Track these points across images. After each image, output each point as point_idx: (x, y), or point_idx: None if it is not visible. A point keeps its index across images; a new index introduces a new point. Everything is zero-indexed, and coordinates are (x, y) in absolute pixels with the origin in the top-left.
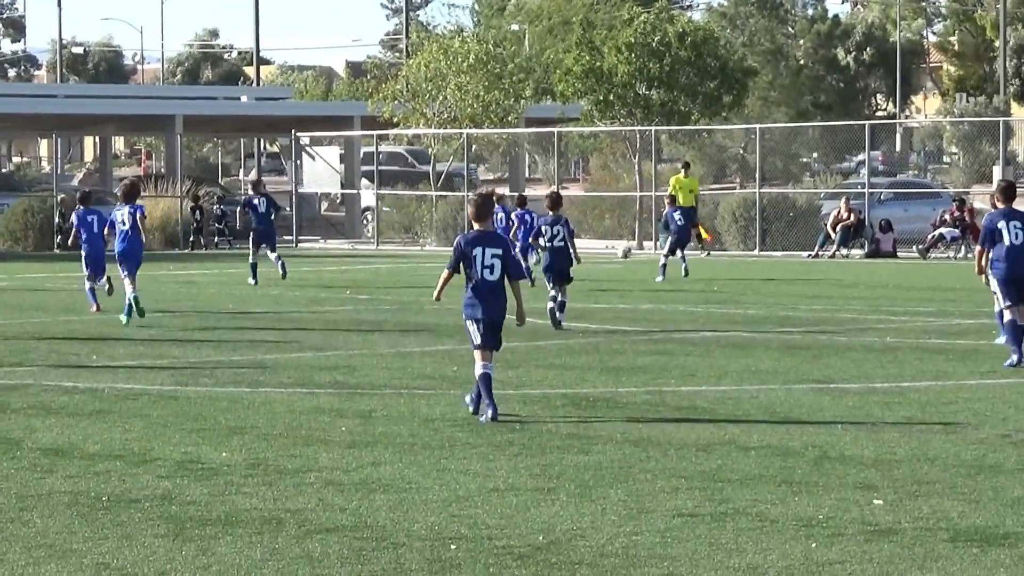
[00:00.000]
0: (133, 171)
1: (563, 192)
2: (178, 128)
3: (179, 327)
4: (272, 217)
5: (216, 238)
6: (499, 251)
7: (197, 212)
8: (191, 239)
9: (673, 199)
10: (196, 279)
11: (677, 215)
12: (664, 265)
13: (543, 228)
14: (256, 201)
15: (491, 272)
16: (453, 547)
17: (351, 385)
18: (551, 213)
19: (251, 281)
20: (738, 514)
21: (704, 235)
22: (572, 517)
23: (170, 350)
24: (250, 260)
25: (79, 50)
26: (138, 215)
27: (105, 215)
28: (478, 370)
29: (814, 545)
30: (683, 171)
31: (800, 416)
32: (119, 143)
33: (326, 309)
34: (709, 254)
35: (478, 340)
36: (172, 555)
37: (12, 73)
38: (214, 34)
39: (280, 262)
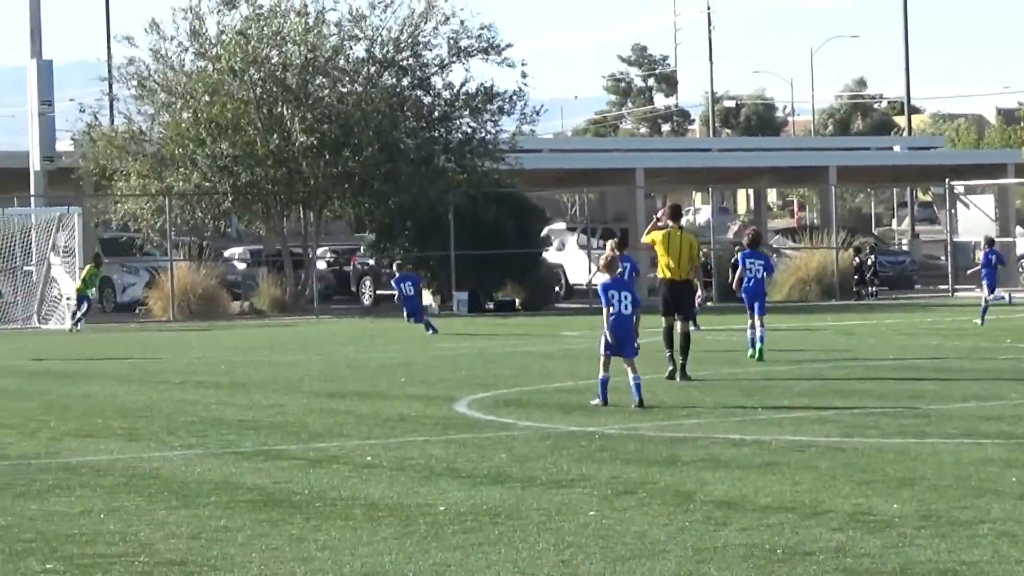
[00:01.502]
0: (785, 223)
1: None
2: (831, 179)
3: (840, 378)
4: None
5: (872, 288)
6: None
7: (858, 262)
8: (855, 289)
9: None
10: (855, 330)
11: None
12: None
13: None
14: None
15: None
16: None
17: (1018, 435)
18: None
19: None
20: None
21: None
22: None
23: (833, 401)
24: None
25: (731, 103)
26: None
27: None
28: None
29: None
30: None
31: None
32: (771, 195)
33: (986, 358)
34: None
35: None
36: None
37: (666, 128)
38: (863, 84)
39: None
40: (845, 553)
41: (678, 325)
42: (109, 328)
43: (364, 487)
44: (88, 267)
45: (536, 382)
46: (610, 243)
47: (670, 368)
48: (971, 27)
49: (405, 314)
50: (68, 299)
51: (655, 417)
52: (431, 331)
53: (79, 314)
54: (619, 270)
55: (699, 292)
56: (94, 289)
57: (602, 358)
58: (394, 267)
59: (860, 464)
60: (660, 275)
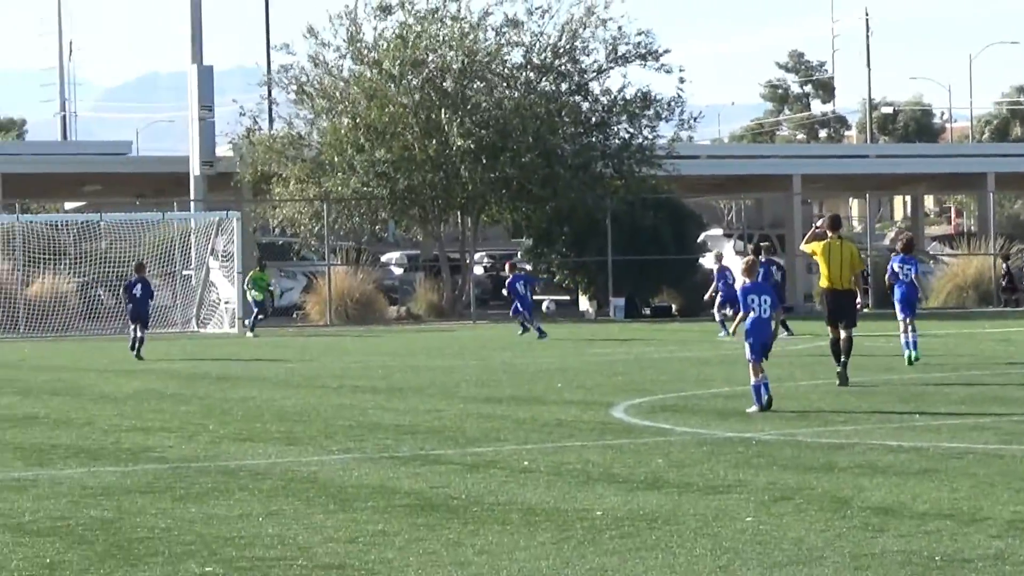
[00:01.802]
0: (943, 229)
1: None
2: (990, 186)
3: (998, 384)
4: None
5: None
6: None
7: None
8: (1012, 296)
9: None
10: (1012, 336)
11: None
12: None
13: None
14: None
15: None
16: None
17: None
18: None
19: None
20: None
21: None
22: None
23: (991, 408)
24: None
25: (888, 110)
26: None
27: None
28: None
29: None
30: None
31: None
32: (928, 201)
33: None
34: None
35: None
36: None
37: (823, 134)
38: (1022, 91)
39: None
40: (1004, 561)
41: (842, 332)
42: (267, 332)
43: (521, 492)
44: (253, 272)
45: (692, 388)
46: (748, 259)
47: (839, 373)
48: None
49: (520, 312)
50: (226, 303)
51: (812, 423)
52: (527, 332)
53: (258, 317)
54: (759, 273)
55: (858, 298)
56: (262, 292)
57: (751, 364)
58: (507, 267)
59: (1019, 471)
60: (822, 285)
